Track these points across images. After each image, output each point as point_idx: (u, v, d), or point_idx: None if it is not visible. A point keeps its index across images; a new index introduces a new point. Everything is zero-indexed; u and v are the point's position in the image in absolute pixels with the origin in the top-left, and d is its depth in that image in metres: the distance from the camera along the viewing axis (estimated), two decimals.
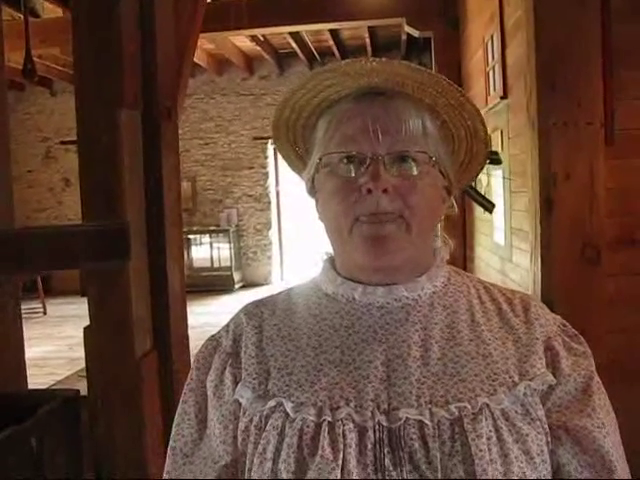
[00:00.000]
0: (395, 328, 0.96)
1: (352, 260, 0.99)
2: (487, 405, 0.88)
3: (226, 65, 11.39)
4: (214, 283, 11.41)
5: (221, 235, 11.76)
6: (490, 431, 0.86)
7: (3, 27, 2.82)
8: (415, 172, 0.94)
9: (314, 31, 8.93)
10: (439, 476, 0.83)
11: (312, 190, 1.04)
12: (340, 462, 0.84)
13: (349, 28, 8.83)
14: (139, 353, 2.23)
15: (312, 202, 1.06)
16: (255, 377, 0.96)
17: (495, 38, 4.41)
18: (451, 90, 0.96)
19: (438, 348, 0.94)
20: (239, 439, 0.94)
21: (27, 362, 6.07)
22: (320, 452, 0.85)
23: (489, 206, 1.50)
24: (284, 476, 0.85)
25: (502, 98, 4.27)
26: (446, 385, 0.90)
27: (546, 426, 0.91)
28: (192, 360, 1.08)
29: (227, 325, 1.06)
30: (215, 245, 11.79)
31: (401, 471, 0.84)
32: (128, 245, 2.14)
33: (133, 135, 2.26)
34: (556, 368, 0.95)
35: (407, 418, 0.86)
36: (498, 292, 1.05)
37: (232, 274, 11.56)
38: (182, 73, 2.88)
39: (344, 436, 0.86)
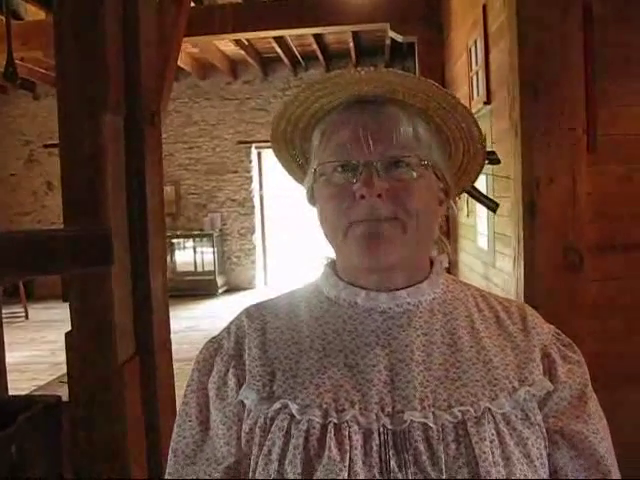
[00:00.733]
0: (397, 333, 0.98)
1: (350, 263, 1.01)
2: (489, 409, 0.90)
3: (210, 69, 11.38)
4: (197, 287, 11.38)
5: (205, 239, 11.74)
6: (492, 434, 0.88)
7: (6, 33, 2.82)
8: (408, 176, 0.95)
9: (298, 35, 8.95)
10: (444, 478, 0.85)
11: (312, 199, 1.06)
12: (347, 463, 0.86)
13: (333, 33, 8.85)
14: (121, 359, 2.21)
15: (313, 210, 1.07)
16: (259, 379, 0.97)
17: (479, 43, 4.43)
18: (441, 94, 0.98)
19: (440, 353, 0.96)
20: (243, 441, 0.95)
21: (8, 367, 6.00)
22: (327, 453, 0.86)
23: (493, 205, 1.50)
24: (290, 477, 0.87)
25: (485, 103, 4.29)
26: (448, 389, 0.93)
27: (544, 431, 0.94)
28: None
29: (228, 327, 1.07)
30: (199, 249, 11.76)
31: (406, 473, 0.86)
32: (110, 250, 2.12)
33: (116, 140, 2.25)
34: (553, 375, 0.98)
35: (412, 421, 0.89)
36: (495, 300, 1.07)
37: (215, 278, 11.54)
38: (166, 77, 2.87)
39: (350, 438, 0.88)
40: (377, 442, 0.88)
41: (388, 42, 9.09)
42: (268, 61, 11.12)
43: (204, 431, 1.00)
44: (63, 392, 2.37)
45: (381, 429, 0.89)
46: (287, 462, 0.87)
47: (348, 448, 0.87)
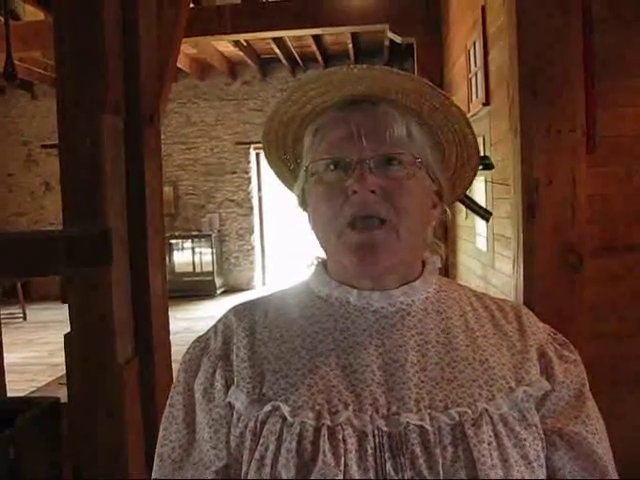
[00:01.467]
0: (391, 332, 0.96)
1: (342, 267, 0.99)
2: (487, 410, 0.89)
3: (209, 70, 11.37)
4: (196, 288, 11.37)
5: (203, 240, 11.73)
6: (490, 436, 0.86)
7: (5, 34, 2.82)
8: (402, 173, 0.94)
9: (297, 37, 8.94)
10: None
11: (303, 204, 1.05)
12: (342, 467, 0.83)
13: (332, 34, 8.85)
14: (121, 359, 2.21)
15: (304, 216, 1.06)
16: (249, 380, 0.94)
17: (477, 45, 4.43)
18: (435, 94, 0.97)
19: (435, 353, 0.94)
20: (233, 445, 0.92)
21: (6, 368, 6.00)
22: (322, 457, 0.84)
23: (486, 215, 1.49)
24: None
25: (484, 105, 4.29)
26: (445, 390, 0.90)
27: (541, 432, 0.92)
28: (179, 363, 1.06)
29: (215, 326, 1.04)
30: (197, 250, 11.75)
31: (403, 476, 0.84)
32: (110, 251, 2.12)
33: (115, 141, 2.25)
34: (550, 375, 0.96)
35: (408, 423, 0.86)
36: (489, 300, 1.06)
37: (214, 279, 11.53)
38: (165, 78, 2.87)
39: (344, 441, 0.85)
40: (372, 445, 0.86)
41: (387, 43, 9.09)
42: (267, 62, 11.12)
43: (191, 434, 0.97)
44: (62, 394, 2.37)
45: (376, 431, 0.86)
46: (280, 466, 0.85)
47: (343, 452, 0.84)
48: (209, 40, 8.25)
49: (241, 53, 9.90)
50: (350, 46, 9.74)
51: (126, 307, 2.26)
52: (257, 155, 11.90)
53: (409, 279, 1.00)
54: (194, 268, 11.73)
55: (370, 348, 0.94)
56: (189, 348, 1.04)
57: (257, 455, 0.87)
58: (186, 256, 11.78)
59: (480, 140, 4.56)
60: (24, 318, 9.70)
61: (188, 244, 11.81)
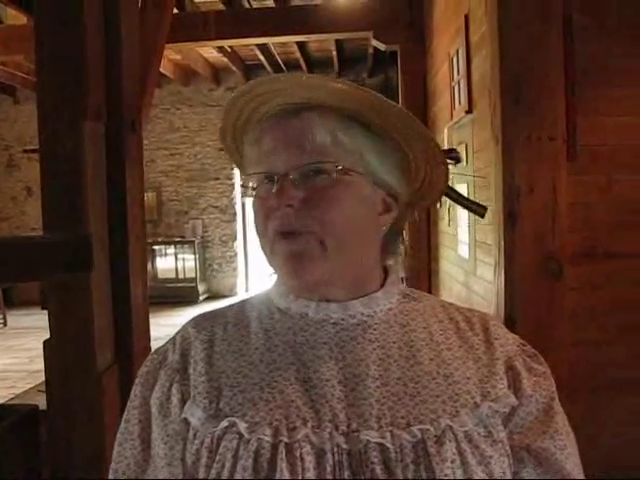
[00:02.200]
0: (351, 346, 0.92)
1: (283, 280, 0.97)
2: (450, 427, 0.85)
3: (192, 76, 11.36)
4: (179, 294, 11.33)
5: (186, 246, 11.70)
6: (454, 454, 0.83)
7: None
8: (326, 182, 0.90)
9: (281, 43, 8.96)
10: None
11: None
12: None
13: (316, 41, 8.87)
14: (101, 367, 2.19)
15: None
16: (206, 396, 0.91)
17: (460, 53, 4.46)
18: (365, 93, 0.92)
19: (397, 367, 0.91)
20: (189, 462, 0.88)
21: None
22: (278, 476, 0.80)
23: (480, 210, 1.46)
24: None
25: (467, 112, 4.31)
26: (407, 406, 0.87)
27: (508, 448, 0.89)
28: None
29: (173, 338, 1.01)
30: (180, 256, 11.72)
31: None
32: (90, 256, 2.10)
33: (96, 147, 2.23)
34: (517, 389, 0.93)
35: (368, 441, 0.83)
36: (456, 310, 1.02)
37: (197, 285, 11.50)
38: (147, 84, 2.86)
39: (302, 459, 0.82)
40: (331, 463, 0.82)
41: (371, 51, 9.12)
42: (251, 68, 11.12)
43: (146, 450, 0.94)
44: (41, 401, 2.35)
45: (335, 449, 0.83)
46: None
47: (300, 470, 0.81)
48: (193, 46, 8.24)
49: (225, 59, 9.90)
50: (334, 53, 9.77)
51: (106, 313, 2.25)
52: None
53: (367, 290, 0.97)
54: (177, 274, 11.70)
55: (330, 362, 0.91)
56: (146, 361, 1.01)
57: (213, 473, 0.84)
58: (169, 262, 11.75)
59: (463, 147, 4.57)
60: (4, 324, 9.63)
61: (171, 250, 11.78)
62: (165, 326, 8.76)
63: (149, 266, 11.34)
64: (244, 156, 1.00)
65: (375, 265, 1.00)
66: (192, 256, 11.63)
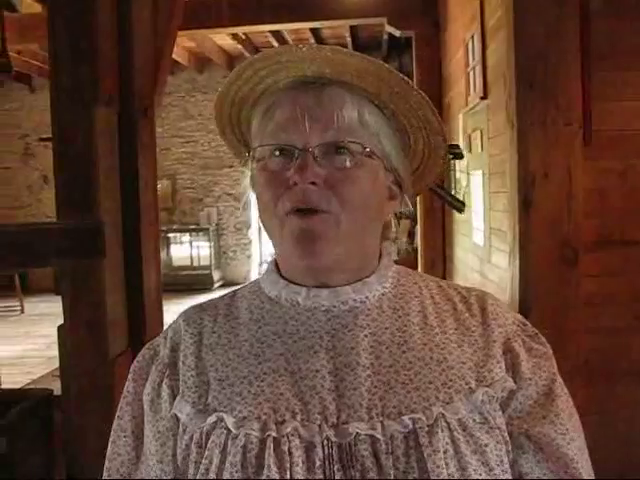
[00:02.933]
0: (342, 334, 0.89)
1: (289, 260, 0.93)
2: (443, 415, 0.82)
3: (207, 63, 11.35)
4: (193, 282, 11.36)
5: (201, 234, 11.73)
6: (447, 444, 0.80)
7: None
8: (349, 164, 0.87)
9: (295, 30, 8.92)
10: None
11: (254, 186, 0.95)
12: None
13: (330, 27, 8.82)
14: (113, 352, 2.20)
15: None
16: (195, 390, 0.89)
17: (476, 38, 4.42)
18: (394, 77, 0.89)
19: (389, 354, 0.88)
20: (179, 458, 0.87)
21: (4, 361, 6.01)
22: (266, 472, 0.78)
23: (459, 205, 1.45)
24: None
25: (482, 98, 4.28)
26: (398, 394, 0.84)
27: (506, 434, 0.85)
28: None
29: (165, 332, 0.98)
30: (195, 244, 11.75)
31: None
32: (102, 243, 2.11)
33: (109, 133, 2.24)
34: (516, 372, 0.89)
35: (358, 433, 0.81)
36: (453, 291, 0.98)
37: (211, 273, 11.53)
38: (160, 71, 2.85)
39: (290, 453, 0.80)
40: (320, 456, 0.80)
41: (385, 37, 9.07)
42: None
43: (139, 447, 0.92)
44: (57, 386, 2.36)
45: (325, 442, 0.80)
46: None
47: (288, 465, 0.79)
48: (207, 33, 8.23)
49: (239, 46, 9.87)
50: (349, 39, 9.71)
51: (119, 300, 2.25)
52: None
53: (362, 275, 0.93)
54: (192, 262, 11.73)
55: (321, 352, 0.88)
56: (139, 356, 0.98)
57: (202, 469, 0.82)
58: (184, 250, 11.79)
59: (478, 134, 4.54)
60: (22, 311, 9.70)
61: (186, 238, 11.81)
62: (179, 313, 8.81)
63: (164, 254, 11.39)
64: (251, 127, 0.96)
65: (376, 250, 0.97)
66: (207, 243, 11.66)
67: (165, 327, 1.03)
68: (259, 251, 12.41)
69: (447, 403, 0.83)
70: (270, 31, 8.82)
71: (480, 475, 0.80)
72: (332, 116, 0.86)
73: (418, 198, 1.06)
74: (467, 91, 4.85)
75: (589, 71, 2.67)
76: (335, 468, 0.79)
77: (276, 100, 0.91)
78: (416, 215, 7.20)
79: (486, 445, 0.82)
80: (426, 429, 0.81)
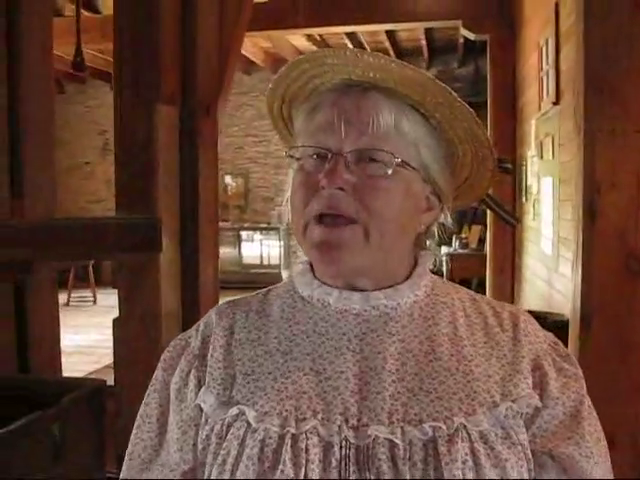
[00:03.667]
0: (371, 338, 0.89)
1: (314, 265, 0.94)
2: (464, 426, 0.81)
3: (283, 64, 11.27)
4: (262, 280, 11.38)
5: (272, 233, 11.82)
6: (466, 454, 0.79)
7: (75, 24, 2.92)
8: (382, 173, 0.86)
9: (371, 32, 8.90)
10: None
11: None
12: (301, 478, 0.78)
13: (405, 30, 8.77)
14: (166, 346, 2.23)
15: None
16: (220, 382, 0.90)
17: (550, 42, 4.32)
18: (437, 88, 0.88)
19: (415, 362, 0.88)
20: (199, 447, 0.88)
21: (75, 349, 6.19)
22: (281, 467, 0.79)
23: (512, 221, 1.41)
24: None
25: (554, 104, 4.18)
26: (421, 402, 0.84)
27: (528, 452, 0.84)
28: None
29: (198, 325, 1.00)
30: (265, 242, 11.86)
31: None
32: (158, 238, 2.15)
33: (169, 130, 2.28)
34: (544, 390, 0.88)
35: (377, 436, 0.81)
36: (486, 305, 0.97)
37: (280, 272, 11.61)
38: (226, 70, 2.88)
39: (307, 451, 0.80)
40: (337, 457, 0.80)
41: (461, 40, 8.96)
42: None
43: (162, 434, 0.93)
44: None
45: (343, 442, 0.81)
46: (239, 474, 0.81)
47: (304, 462, 0.79)
48: (283, 34, 8.29)
49: (314, 47, 9.91)
50: (424, 42, 9.63)
51: (174, 294, 2.29)
52: None
53: (393, 282, 0.93)
54: (261, 260, 11.84)
55: (348, 354, 0.88)
56: (170, 346, 1.00)
57: (219, 460, 0.84)
58: (254, 248, 11.91)
59: (549, 140, 4.44)
60: (94, 302, 10.00)
61: (257, 236, 11.93)
62: None
63: (235, 251, 11.55)
64: (295, 125, 0.98)
65: (405, 258, 0.96)
66: (277, 242, 11.75)
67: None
68: None
69: (469, 414, 0.83)
70: (345, 33, 8.83)
71: None
72: (368, 122, 0.86)
73: None
74: (540, 96, 4.74)
75: None
76: (351, 470, 0.79)
77: (319, 102, 0.92)
78: (486, 221, 7.09)
79: (507, 460, 0.81)
80: (446, 438, 0.81)
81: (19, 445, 1.84)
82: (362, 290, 0.92)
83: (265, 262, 11.87)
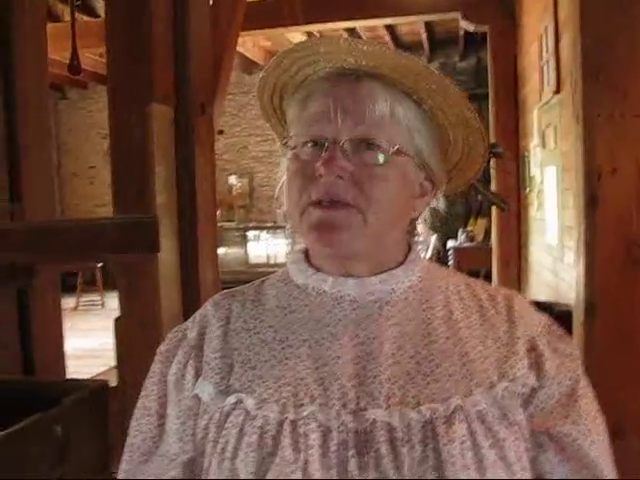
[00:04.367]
0: (367, 324, 0.90)
1: (312, 249, 0.95)
2: (461, 407, 0.83)
3: None
4: None
5: (277, 232, 11.82)
6: (464, 435, 0.80)
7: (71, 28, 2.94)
8: (377, 161, 0.88)
9: (370, 27, 8.88)
10: None
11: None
12: (301, 464, 0.79)
13: (405, 24, 8.75)
14: None
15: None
16: (218, 372, 0.92)
17: (549, 30, 4.29)
18: (430, 74, 0.90)
19: (412, 345, 0.89)
20: (198, 437, 0.90)
21: (84, 353, 6.20)
22: (280, 453, 0.80)
23: (502, 205, 1.42)
24: (242, 477, 0.81)
25: (555, 93, 4.15)
26: (418, 385, 0.85)
27: (526, 431, 0.85)
28: None
29: (194, 316, 1.02)
30: (271, 242, 11.86)
31: (367, 476, 0.79)
32: (156, 238, 2.14)
33: (164, 129, 2.27)
34: (540, 370, 0.89)
35: (375, 420, 0.81)
36: (481, 288, 0.99)
37: None
38: (221, 68, 2.88)
39: (306, 436, 0.81)
40: (336, 441, 0.81)
41: (462, 33, 8.93)
42: None
43: (162, 426, 0.95)
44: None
45: (341, 427, 0.82)
46: (239, 461, 0.82)
47: (303, 447, 0.81)
48: (282, 32, 8.28)
49: None
50: (424, 36, 9.61)
51: (174, 294, 2.29)
52: None
53: (387, 267, 0.94)
54: (268, 259, 11.84)
55: (344, 339, 0.89)
56: (167, 338, 1.01)
57: (219, 448, 0.85)
58: (260, 247, 11.91)
59: (551, 129, 4.41)
60: (102, 305, 10.03)
61: (263, 235, 11.93)
62: None
63: (242, 250, 11.56)
64: (287, 114, 0.98)
65: (399, 244, 0.97)
66: (283, 242, 11.75)
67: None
68: None
69: (466, 396, 0.84)
70: (345, 29, 8.81)
71: (497, 469, 0.80)
72: (364, 110, 0.88)
73: None
74: (541, 86, 4.72)
75: None
76: (350, 453, 0.81)
77: (312, 90, 0.93)
78: (491, 213, 7.07)
79: (504, 440, 0.82)
80: (444, 419, 0.82)
81: (22, 446, 1.84)
82: (357, 277, 0.93)
83: (272, 261, 11.86)
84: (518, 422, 0.85)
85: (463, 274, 1.04)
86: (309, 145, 0.90)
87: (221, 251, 9.12)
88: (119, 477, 0.96)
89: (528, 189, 5.70)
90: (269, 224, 11.94)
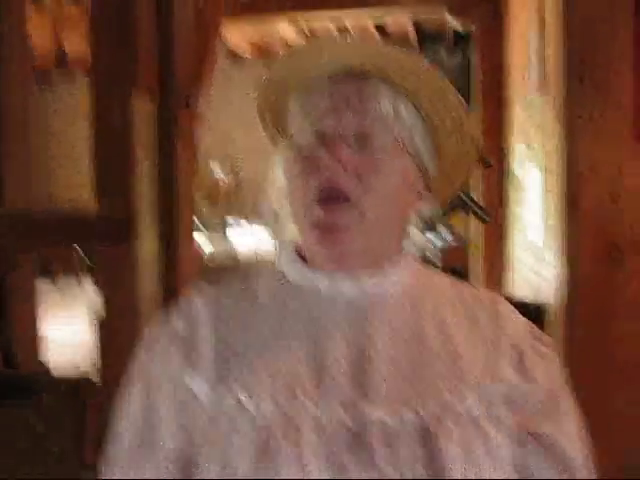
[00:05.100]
0: (361, 324, 0.92)
1: (310, 247, 0.95)
2: (453, 407, 0.85)
3: (272, 58, 11.40)
4: None
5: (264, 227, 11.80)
6: (455, 433, 0.83)
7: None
8: (380, 155, 0.90)
9: (360, 27, 8.86)
10: None
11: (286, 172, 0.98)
12: (296, 459, 0.80)
13: (394, 23, 8.73)
14: None
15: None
16: (211, 365, 0.91)
17: (534, 30, 4.30)
18: (431, 75, 0.92)
19: (404, 346, 0.91)
20: (192, 431, 0.89)
21: (84, 347, 6.19)
22: (275, 447, 0.81)
23: (485, 218, 1.42)
24: (238, 473, 0.81)
25: (539, 92, 4.17)
26: (412, 385, 0.87)
27: (511, 431, 0.88)
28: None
29: (178, 304, 1.00)
30: (258, 236, 11.80)
31: (361, 473, 0.80)
32: (135, 229, 2.14)
33: (146, 122, 2.28)
34: (523, 371, 0.92)
35: (369, 417, 0.83)
36: (467, 290, 1.01)
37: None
38: (204, 61, 2.87)
39: (301, 431, 0.82)
40: (330, 437, 0.82)
41: (450, 32, 8.94)
42: None
43: (148, 416, 0.93)
44: None
45: (336, 423, 0.83)
46: (233, 456, 0.82)
47: (298, 443, 0.81)
48: (266, 21, 8.22)
49: (302, 40, 9.88)
50: (411, 30, 9.59)
51: (152, 284, 2.29)
52: None
53: (378, 265, 0.96)
54: (256, 254, 11.80)
55: (339, 339, 0.90)
56: (150, 328, 1.00)
57: (212, 443, 0.85)
58: (247, 240, 11.86)
59: (535, 129, 4.43)
60: (80, 289, 9.94)
61: (250, 228, 11.88)
62: None
63: (228, 245, 11.52)
64: (290, 110, 0.98)
65: (393, 244, 0.98)
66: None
67: None
68: None
69: (457, 396, 0.86)
70: (336, 27, 8.78)
71: (486, 466, 0.83)
72: (368, 107, 0.90)
73: None
74: (526, 85, 4.73)
75: None
76: (344, 450, 0.82)
77: (316, 88, 0.94)
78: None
79: (493, 438, 0.85)
80: (437, 419, 0.84)
81: None
82: (351, 272, 0.94)
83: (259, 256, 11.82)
84: (504, 421, 0.88)
85: (449, 275, 1.06)
86: (312, 140, 0.91)
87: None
88: (106, 469, 0.94)
89: (511, 188, 5.72)
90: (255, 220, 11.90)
